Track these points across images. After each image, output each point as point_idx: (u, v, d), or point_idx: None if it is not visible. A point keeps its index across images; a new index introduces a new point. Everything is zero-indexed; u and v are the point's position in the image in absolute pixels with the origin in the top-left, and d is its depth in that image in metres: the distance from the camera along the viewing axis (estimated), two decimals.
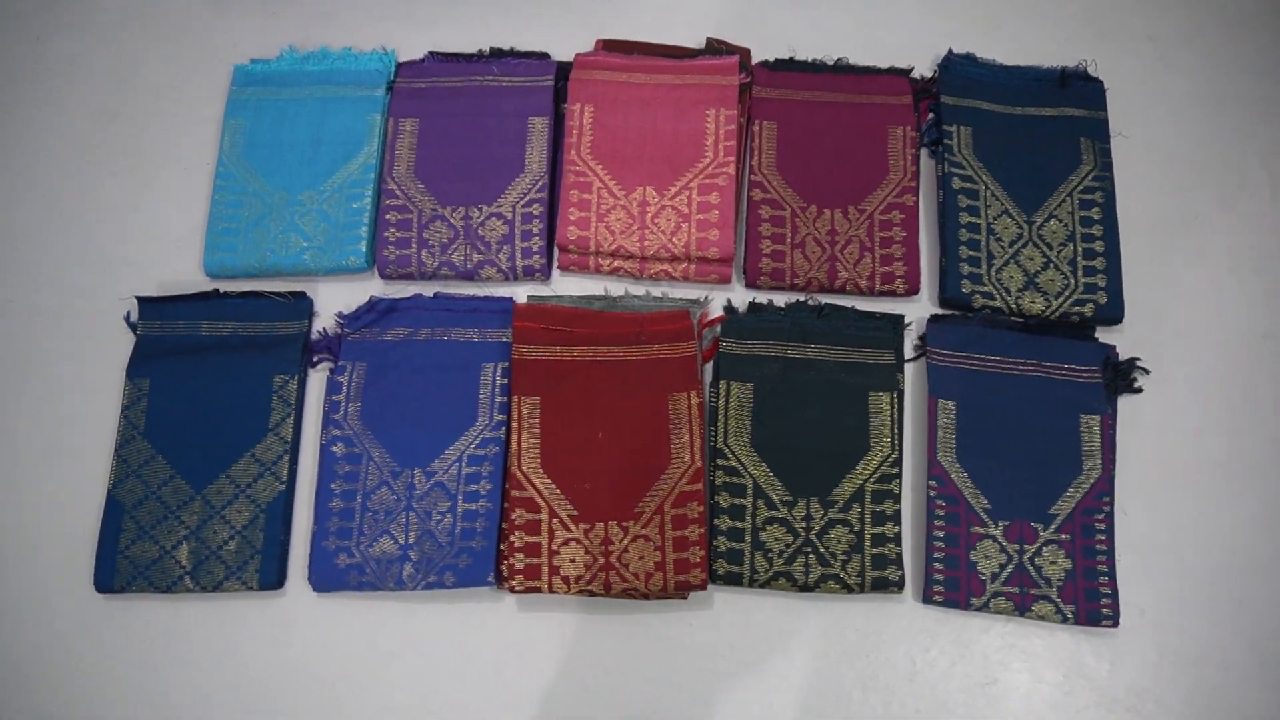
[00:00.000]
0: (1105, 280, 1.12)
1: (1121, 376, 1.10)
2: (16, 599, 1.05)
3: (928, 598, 1.02)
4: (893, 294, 1.14)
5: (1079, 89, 1.21)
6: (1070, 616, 1.01)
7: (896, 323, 1.11)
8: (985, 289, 1.12)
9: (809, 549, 1.03)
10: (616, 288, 1.16)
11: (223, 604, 1.05)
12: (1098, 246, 1.13)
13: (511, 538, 1.02)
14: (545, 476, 1.04)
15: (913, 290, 1.13)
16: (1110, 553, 1.03)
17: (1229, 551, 1.06)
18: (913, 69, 1.23)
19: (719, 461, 1.06)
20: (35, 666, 1.03)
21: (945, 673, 1.02)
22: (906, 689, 1.02)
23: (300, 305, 1.14)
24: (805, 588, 1.02)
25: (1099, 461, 1.06)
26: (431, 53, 1.24)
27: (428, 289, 1.15)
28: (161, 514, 1.05)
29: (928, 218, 1.18)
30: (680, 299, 1.14)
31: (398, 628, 1.04)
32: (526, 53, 1.23)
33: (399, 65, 1.24)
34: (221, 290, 1.15)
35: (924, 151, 1.21)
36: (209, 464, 1.07)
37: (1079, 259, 1.13)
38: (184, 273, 1.18)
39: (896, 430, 1.07)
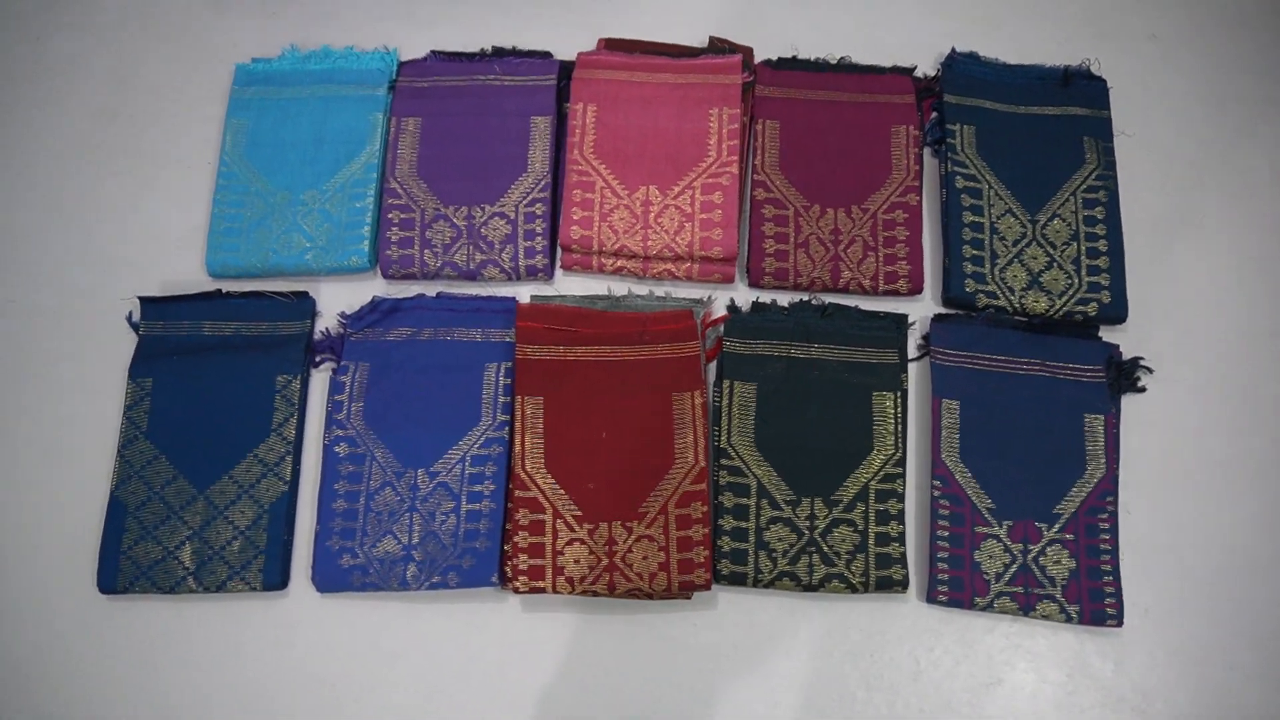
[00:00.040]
0: (1109, 279, 1.12)
1: (1125, 376, 1.10)
2: (19, 600, 1.05)
3: (932, 597, 1.02)
4: (896, 293, 1.14)
5: (1082, 88, 1.21)
6: (1075, 616, 1.01)
7: (900, 322, 1.11)
8: (989, 288, 1.12)
9: (813, 549, 1.03)
10: (620, 287, 1.15)
11: (226, 604, 1.05)
12: (1101, 245, 1.13)
13: (515, 538, 1.02)
14: (549, 477, 1.04)
15: (916, 290, 1.13)
16: (1114, 552, 1.03)
17: (1233, 550, 1.06)
18: (915, 68, 1.23)
19: (723, 461, 1.06)
20: (39, 667, 1.03)
21: (949, 672, 1.02)
22: (911, 689, 1.01)
23: (303, 305, 1.14)
24: (809, 587, 1.02)
25: (1103, 461, 1.06)
26: (434, 52, 1.24)
27: (430, 289, 1.15)
28: (164, 514, 1.05)
29: (931, 217, 1.18)
30: (683, 298, 1.14)
31: (401, 628, 1.04)
32: (529, 52, 1.23)
33: (401, 64, 1.24)
34: (224, 290, 1.15)
35: (927, 150, 1.21)
36: (212, 464, 1.07)
37: (1082, 258, 1.13)
38: (186, 273, 1.17)
39: (900, 430, 1.07)
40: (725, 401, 1.08)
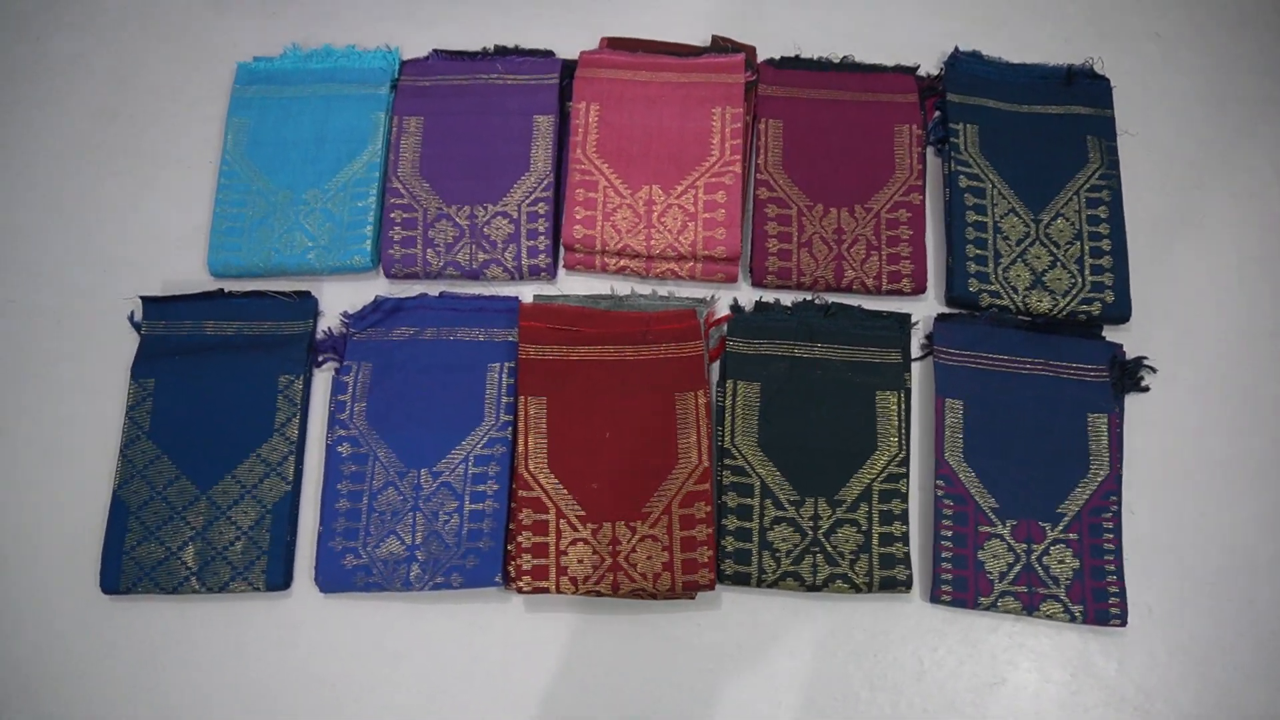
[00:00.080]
0: (1112, 279, 1.12)
1: (1129, 375, 1.10)
2: (22, 601, 1.05)
3: (935, 597, 1.02)
4: (899, 293, 1.13)
5: (1085, 87, 1.21)
6: (1078, 615, 1.01)
7: (903, 322, 1.11)
8: (992, 288, 1.12)
9: (817, 549, 1.03)
10: (623, 287, 1.15)
11: (229, 605, 1.04)
12: (1105, 245, 1.13)
13: (519, 538, 1.02)
14: (552, 476, 1.04)
15: (919, 289, 1.13)
16: (1118, 552, 1.03)
17: (1236, 549, 1.06)
18: (919, 67, 1.23)
19: (726, 461, 1.06)
20: (41, 669, 1.03)
21: (953, 672, 1.02)
22: (914, 688, 1.01)
23: (305, 305, 1.14)
24: (813, 587, 1.02)
25: (1106, 460, 1.06)
26: (436, 50, 1.24)
27: (433, 288, 1.15)
28: (167, 515, 1.05)
29: (934, 216, 1.18)
30: (687, 298, 1.14)
31: (405, 628, 1.03)
32: (531, 51, 1.23)
33: (403, 63, 1.24)
34: (226, 290, 1.14)
35: (930, 150, 1.21)
36: (214, 464, 1.06)
37: (1086, 257, 1.13)
38: (187, 272, 1.17)
39: (904, 429, 1.07)
40: (729, 401, 1.08)
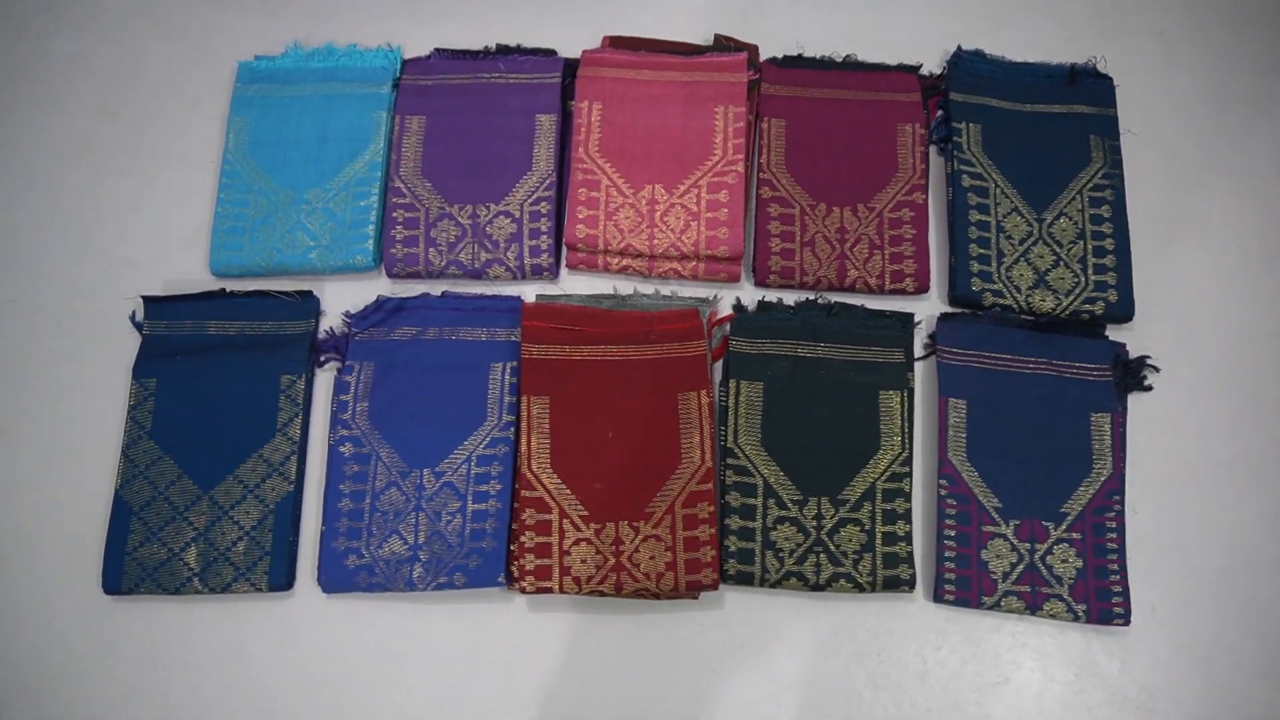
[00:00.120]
0: (1115, 278, 1.12)
1: (1132, 375, 1.10)
2: (24, 601, 1.05)
3: (939, 597, 1.02)
4: (902, 292, 1.13)
5: (1088, 86, 1.20)
6: (1081, 615, 1.01)
7: (906, 321, 1.11)
8: (995, 287, 1.11)
9: (820, 548, 1.03)
10: (625, 286, 1.15)
11: (231, 605, 1.04)
12: (1108, 244, 1.13)
13: (522, 538, 1.02)
14: (555, 476, 1.04)
15: (922, 288, 1.13)
16: (1121, 551, 1.03)
17: (1239, 548, 1.06)
18: (921, 65, 1.22)
19: (729, 461, 1.06)
20: (43, 670, 1.02)
21: (956, 672, 1.02)
22: (918, 688, 1.01)
23: (307, 304, 1.13)
24: (816, 587, 1.02)
25: (1110, 460, 1.06)
26: (438, 49, 1.23)
27: (435, 288, 1.15)
28: (169, 515, 1.04)
29: (937, 215, 1.18)
30: (690, 297, 1.14)
31: (408, 629, 1.03)
32: (533, 49, 1.23)
33: (405, 62, 1.23)
34: (228, 289, 1.14)
35: (933, 149, 1.20)
36: (216, 464, 1.06)
37: (1089, 257, 1.13)
38: (188, 272, 1.17)
39: (907, 429, 1.07)
40: (731, 401, 1.08)
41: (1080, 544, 1.03)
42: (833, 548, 1.03)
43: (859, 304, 1.12)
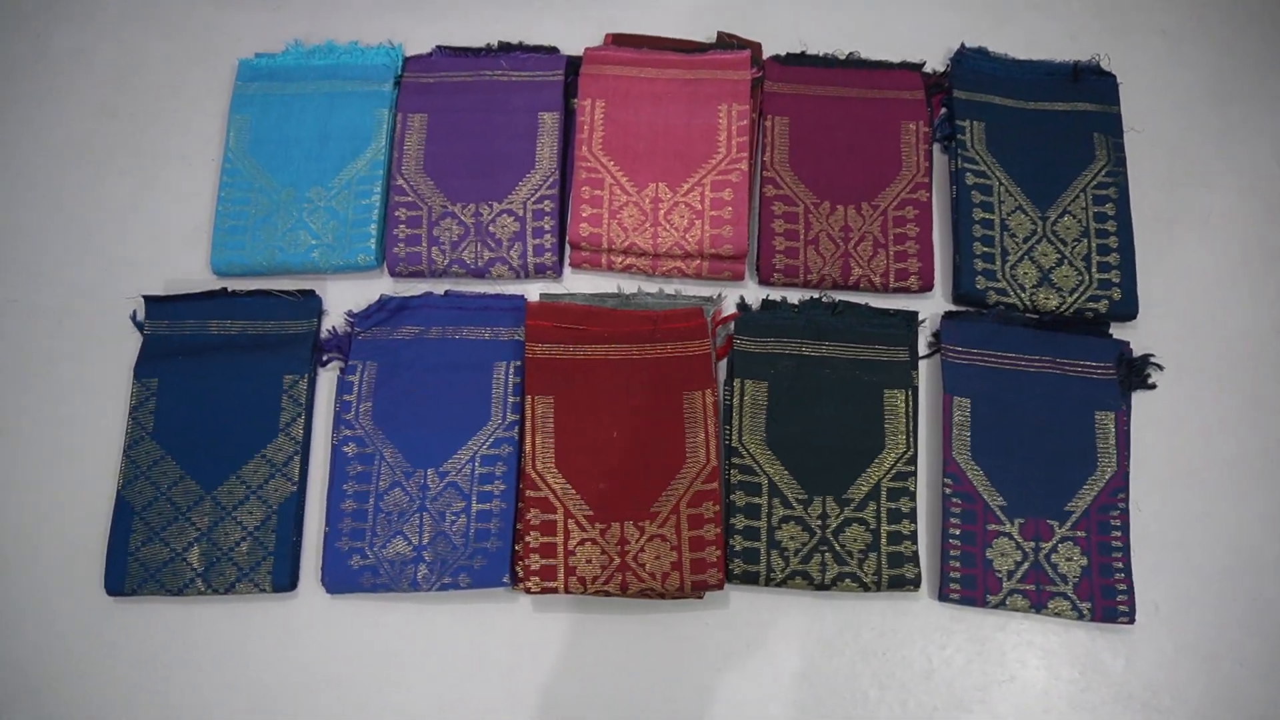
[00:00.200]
0: (1119, 276, 1.12)
1: (1136, 373, 1.09)
2: (26, 603, 1.04)
3: (944, 595, 1.02)
4: (907, 290, 1.13)
5: (1091, 83, 1.20)
6: (1086, 613, 1.01)
7: (911, 319, 1.11)
8: (999, 285, 1.11)
9: (825, 547, 1.03)
10: (629, 285, 1.15)
11: (234, 606, 1.04)
12: (1112, 242, 1.13)
13: (527, 538, 1.01)
14: (560, 476, 1.03)
15: (927, 287, 1.13)
16: (1126, 549, 1.04)
17: (1243, 546, 1.06)
18: (925, 63, 1.22)
19: (734, 460, 1.06)
20: (46, 671, 1.02)
21: (962, 670, 1.02)
22: (923, 687, 1.01)
23: (309, 304, 1.13)
24: (822, 586, 1.02)
25: (1114, 458, 1.06)
26: (439, 47, 1.23)
27: (438, 287, 1.14)
28: (172, 515, 1.04)
29: (941, 214, 1.18)
30: (694, 296, 1.13)
31: (412, 630, 1.03)
32: (535, 47, 1.22)
33: (406, 60, 1.23)
34: (229, 289, 1.14)
35: (937, 147, 1.20)
36: (219, 465, 1.06)
37: (1093, 255, 1.13)
38: (189, 271, 1.16)
39: (911, 427, 1.07)
40: (736, 400, 1.08)
41: (1085, 542, 1.03)
42: (838, 547, 1.03)
43: (863, 302, 1.12)
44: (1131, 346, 1.10)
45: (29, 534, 1.07)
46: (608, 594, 1.01)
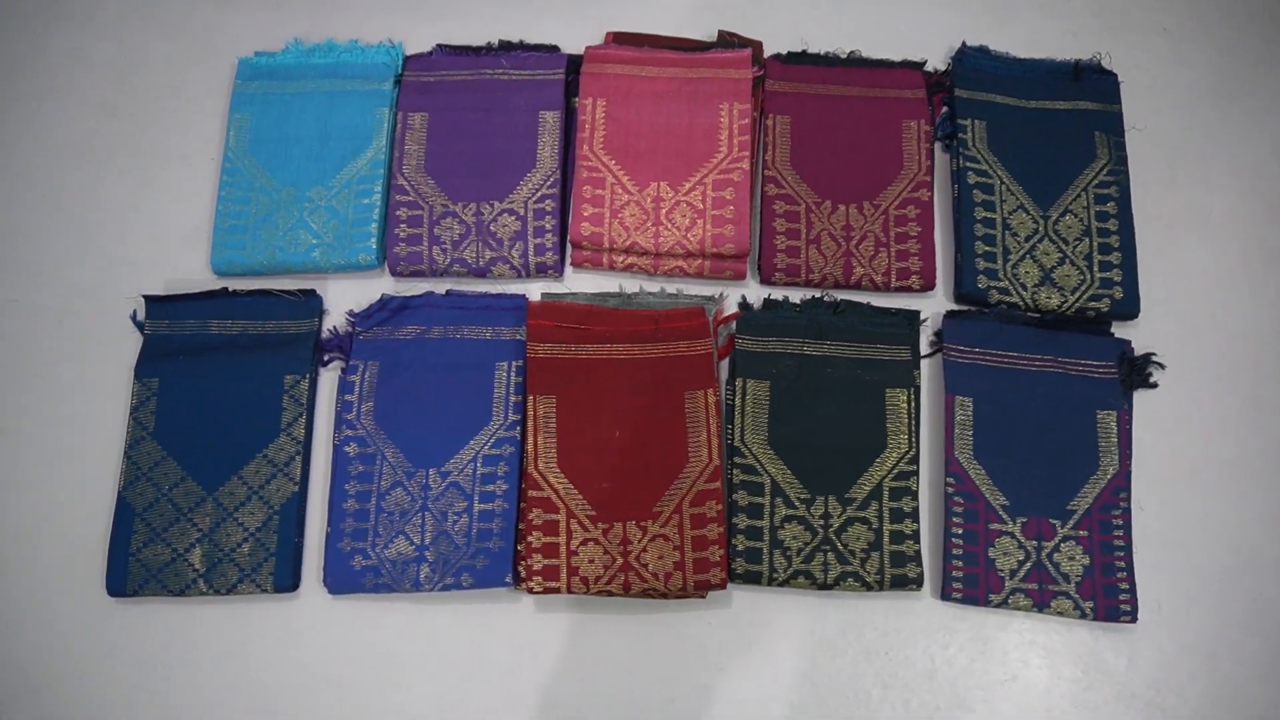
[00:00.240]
0: (1121, 275, 1.12)
1: (1137, 372, 1.10)
2: (27, 603, 1.04)
3: (946, 595, 1.02)
4: (908, 290, 1.13)
5: (1093, 82, 1.20)
6: (1089, 612, 1.01)
7: (912, 319, 1.11)
8: (1001, 284, 1.11)
9: (827, 547, 1.03)
10: (631, 284, 1.15)
11: (236, 607, 1.04)
12: (1113, 241, 1.13)
13: (529, 538, 1.01)
14: (562, 476, 1.03)
15: (928, 286, 1.13)
16: (1128, 548, 1.04)
17: (1245, 545, 1.06)
18: (926, 62, 1.22)
19: (736, 459, 1.06)
20: (47, 671, 1.02)
21: (964, 669, 1.02)
22: (926, 686, 1.01)
23: (310, 303, 1.13)
24: (824, 586, 1.02)
25: (1116, 457, 1.06)
26: (440, 45, 1.23)
27: (439, 286, 1.14)
28: (173, 516, 1.04)
29: (943, 213, 1.18)
30: (695, 295, 1.13)
31: (414, 630, 1.03)
32: (536, 46, 1.22)
33: (407, 58, 1.22)
34: (230, 289, 1.13)
35: (938, 146, 1.20)
36: (220, 465, 1.06)
37: (1095, 254, 1.13)
38: (190, 271, 1.16)
39: (913, 427, 1.07)
40: (738, 399, 1.08)
41: (1087, 541, 1.03)
42: (840, 546, 1.03)
43: (865, 302, 1.12)
44: (1133, 345, 1.10)
45: (30, 534, 1.06)
46: (610, 594, 1.00)
